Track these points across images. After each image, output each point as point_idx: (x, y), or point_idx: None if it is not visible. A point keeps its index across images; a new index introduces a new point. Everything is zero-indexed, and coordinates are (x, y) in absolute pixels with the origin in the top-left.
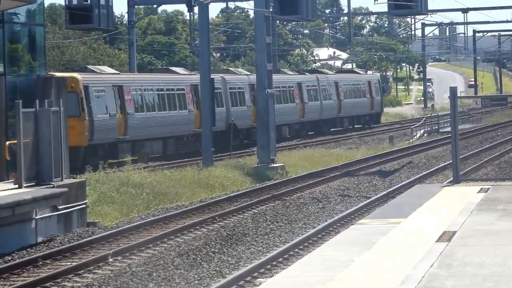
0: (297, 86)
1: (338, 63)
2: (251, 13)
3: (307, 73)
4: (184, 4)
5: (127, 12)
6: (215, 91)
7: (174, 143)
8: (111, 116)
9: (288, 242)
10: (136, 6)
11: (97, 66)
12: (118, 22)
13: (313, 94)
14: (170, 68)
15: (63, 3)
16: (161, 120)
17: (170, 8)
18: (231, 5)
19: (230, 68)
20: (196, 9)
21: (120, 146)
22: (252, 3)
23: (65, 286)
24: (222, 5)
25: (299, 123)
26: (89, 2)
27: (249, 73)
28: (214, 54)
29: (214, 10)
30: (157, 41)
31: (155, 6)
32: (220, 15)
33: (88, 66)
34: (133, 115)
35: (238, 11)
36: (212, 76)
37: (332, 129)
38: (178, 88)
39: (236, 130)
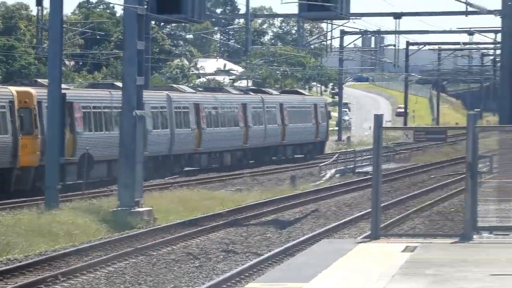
0: (242, 107)
1: (229, 79)
2: (119, 10)
3: (251, 93)
4: None
5: None
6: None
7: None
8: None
9: None
10: None
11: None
12: None
13: (257, 117)
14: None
15: None
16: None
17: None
18: None
19: (174, 85)
20: (46, 3)
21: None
22: None
23: None
24: None
25: (242, 150)
26: None
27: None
28: (67, 63)
29: (70, 4)
30: None
31: None
32: (77, 11)
33: (38, 80)
34: (82, 135)
35: (102, 7)
36: (154, 92)
37: (274, 158)
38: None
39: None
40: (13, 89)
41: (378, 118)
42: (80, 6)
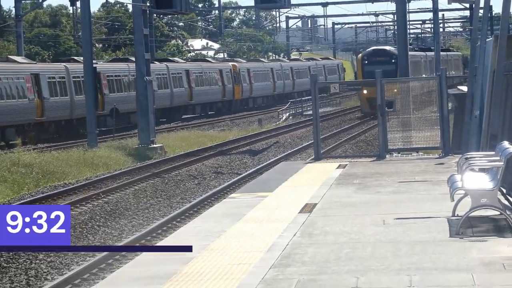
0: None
1: (211, 53)
2: (130, 7)
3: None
4: None
5: (15, 7)
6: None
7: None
8: None
9: (167, 216)
10: (22, 1)
11: None
12: (6, 16)
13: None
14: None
15: None
16: None
17: (54, 2)
18: (111, 0)
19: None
20: (78, 4)
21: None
22: None
23: None
24: (103, 0)
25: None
26: None
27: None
28: (97, 45)
29: (96, 4)
30: (43, 33)
31: (40, 0)
32: (101, 9)
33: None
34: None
35: (118, 5)
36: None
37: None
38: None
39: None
40: (230, 63)
41: (314, 77)
42: (102, 5)
